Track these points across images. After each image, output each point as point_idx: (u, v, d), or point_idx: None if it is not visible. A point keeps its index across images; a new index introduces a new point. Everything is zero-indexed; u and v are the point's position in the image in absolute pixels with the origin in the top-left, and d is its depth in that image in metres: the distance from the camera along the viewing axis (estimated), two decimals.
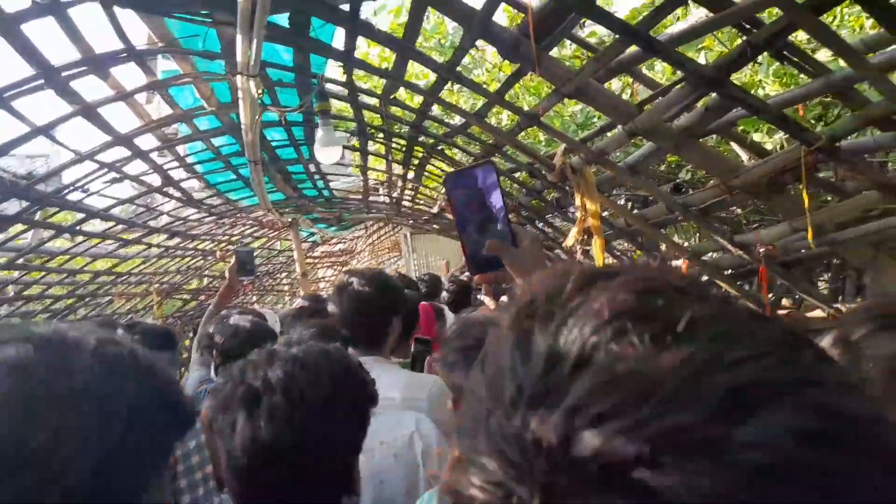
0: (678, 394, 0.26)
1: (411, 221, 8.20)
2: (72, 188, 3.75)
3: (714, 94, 1.93)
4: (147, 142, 3.61)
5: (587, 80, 2.07)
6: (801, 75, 2.22)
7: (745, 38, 1.81)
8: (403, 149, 4.00)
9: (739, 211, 3.03)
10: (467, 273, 7.11)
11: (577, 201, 2.66)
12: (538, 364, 0.30)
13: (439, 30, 4.07)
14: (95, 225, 4.56)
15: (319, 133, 2.76)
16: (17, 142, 2.75)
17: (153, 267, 6.69)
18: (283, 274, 12.40)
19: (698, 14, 2.31)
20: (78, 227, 4.36)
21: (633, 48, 2.00)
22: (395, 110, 3.31)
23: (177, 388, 0.66)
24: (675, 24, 2.52)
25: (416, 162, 4.16)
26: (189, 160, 4.21)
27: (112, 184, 3.90)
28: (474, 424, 0.32)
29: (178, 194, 4.69)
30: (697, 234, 3.64)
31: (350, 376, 0.95)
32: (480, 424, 0.31)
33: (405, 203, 5.88)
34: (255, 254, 3.67)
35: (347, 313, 1.66)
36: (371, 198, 6.15)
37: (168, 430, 0.62)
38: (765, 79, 2.37)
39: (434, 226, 8.03)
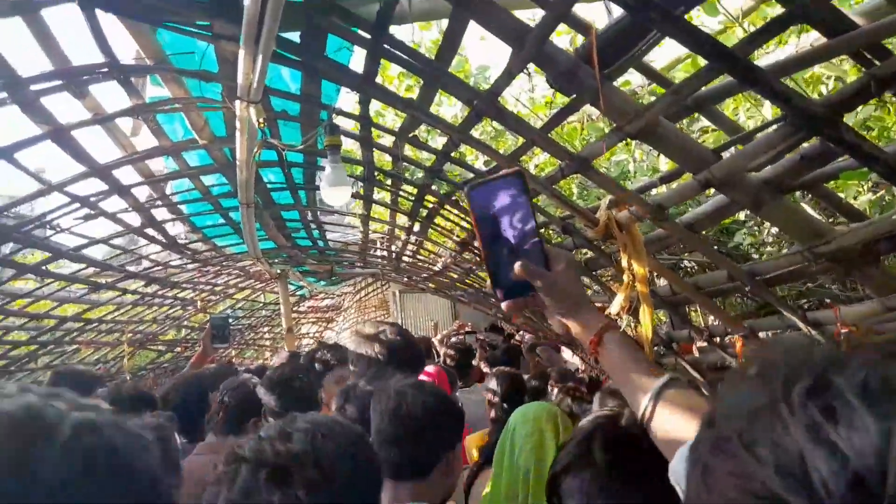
0: None
1: (406, 279, 7.80)
2: (38, 223, 3.33)
3: (815, 139, 1.58)
4: (128, 176, 3.22)
5: (657, 117, 1.73)
6: None
7: (864, 69, 1.48)
8: (413, 198, 3.64)
9: (809, 285, 2.67)
10: (459, 336, 6.70)
11: (624, 263, 2.28)
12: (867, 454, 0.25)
13: (463, 68, 3.77)
14: (64, 266, 4.11)
15: (327, 171, 2.39)
16: None
17: (127, 315, 6.19)
18: (266, 328, 11.88)
19: (800, 41, 2.01)
20: (44, 268, 3.92)
21: (716, 81, 1.67)
22: (409, 153, 2.97)
23: (159, 488, 0.59)
24: (769, 52, 2.21)
25: (424, 213, 3.79)
26: (174, 199, 3.81)
27: (85, 221, 3.49)
28: None
29: (160, 237, 4.27)
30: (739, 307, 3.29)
31: (361, 443, 0.95)
32: None
33: (405, 258, 5.49)
34: (230, 320, 3.51)
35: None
36: (369, 251, 5.76)
37: None
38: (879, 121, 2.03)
39: (430, 284, 7.64)
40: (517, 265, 0.82)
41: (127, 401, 2.61)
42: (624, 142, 2.28)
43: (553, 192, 2.27)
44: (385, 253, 5.60)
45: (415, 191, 3.57)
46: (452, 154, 2.50)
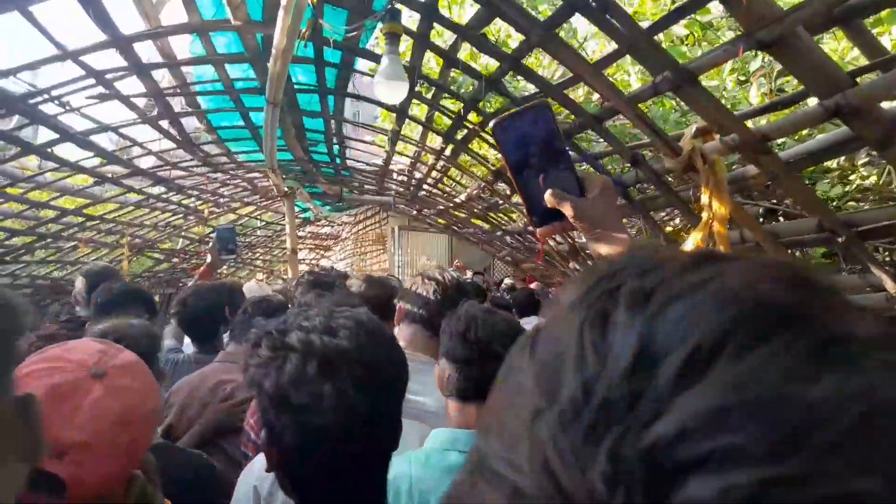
0: (854, 446, 0.18)
1: (416, 211, 7.57)
2: (48, 97, 3.04)
3: None
4: (148, 53, 2.93)
5: (796, 26, 1.47)
6: None
7: None
8: (452, 116, 3.37)
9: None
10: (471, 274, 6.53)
11: (704, 199, 2.06)
12: (622, 357, 0.22)
13: None
14: (69, 151, 3.84)
15: (384, 63, 2.12)
16: None
17: (128, 216, 5.94)
18: (262, 250, 11.66)
19: None
20: (50, 150, 3.64)
21: None
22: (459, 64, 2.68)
23: None
24: None
25: (461, 136, 3.52)
26: (194, 90, 3.52)
27: (100, 101, 3.20)
28: (510, 424, 0.24)
29: (173, 132, 3.98)
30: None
31: (394, 340, 0.94)
32: (520, 426, 0.23)
33: (425, 187, 5.23)
34: (236, 232, 3.33)
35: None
36: (388, 176, 5.49)
37: None
38: None
39: (439, 220, 7.41)
40: (547, 193, 0.84)
41: (122, 294, 2.48)
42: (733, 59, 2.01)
43: (636, 112, 2.02)
44: (405, 178, 5.33)
45: (458, 107, 3.30)
46: (524, 60, 2.22)
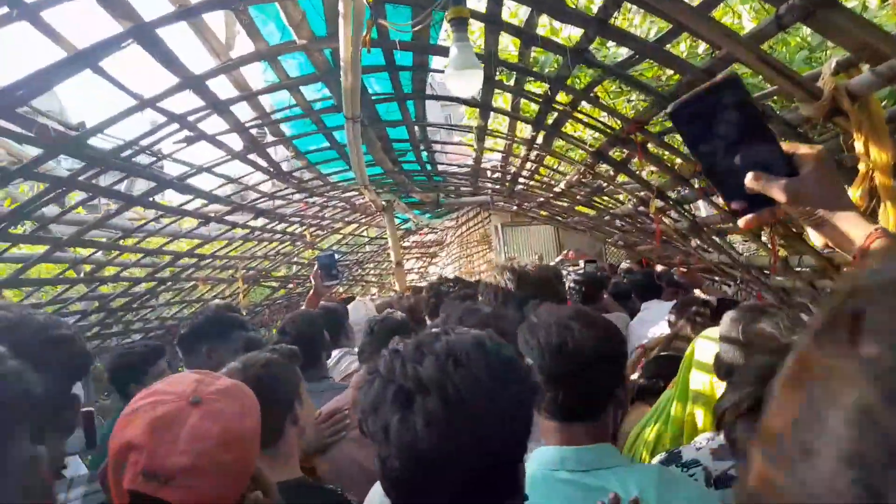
0: None
1: (516, 206, 7.31)
2: (137, 148, 3.10)
3: None
4: (223, 90, 2.90)
5: None
6: None
7: None
8: (539, 101, 3.10)
9: None
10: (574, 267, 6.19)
11: (858, 147, 1.67)
12: None
13: None
14: (169, 198, 3.94)
15: (453, 53, 1.92)
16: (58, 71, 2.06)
17: (238, 250, 6.14)
18: (371, 264, 11.85)
19: None
20: (151, 199, 3.75)
21: None
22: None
23: None
24: None
25: (551, 120, 3.24)
26: (274, 118, 3.49)
27: (187, 144, 3.22)
28: None
29: (264, 163, 4.00)
30: None
31: (510, 368, 0.82)
32: None
33: (521, 180, 4.97)
34: (336, 256, 3.47)
35: None
36: (480, 175, 5.28)
37: None
38: None
39: (541, 212, 7.11)
40: (748, 177, 0.75)
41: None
42: None
43: (758, 55, 1.67)
44: (498, 175, 5.10)
45: (544, 90, 3.02)
46: (611, 20, 1.93)
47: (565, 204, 5.64)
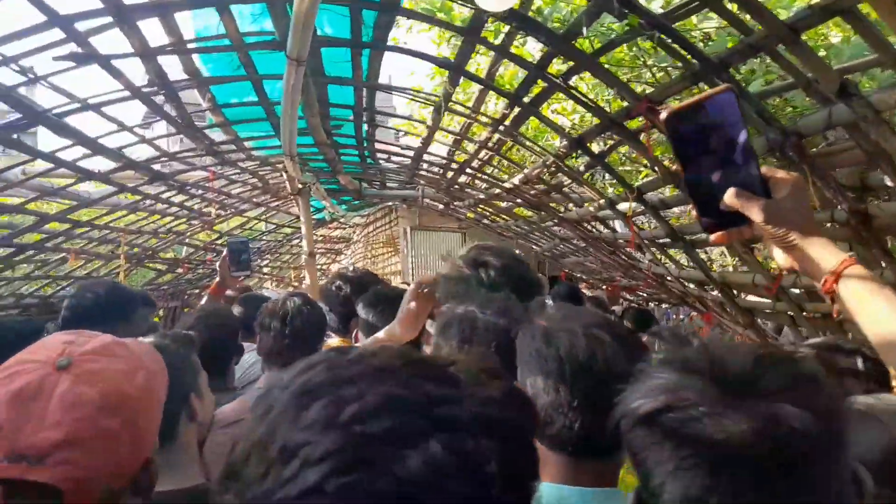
0: None
1: (441, 206, 6.83)
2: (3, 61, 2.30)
3: None
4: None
5: None
6: None
7: None
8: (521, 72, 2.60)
9: None
10: None
11: None
12: None
13: None
14: (41, 141, 3.08)
15: None
16: None
17: (122, 222, 5.20)
18: (270, 256, 10.94)
19: None
20: (15, 136, 2.90)
21: None
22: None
23: None
24: None
25: (537, 91, 2.76)
26: (191, 47, 2.77)
27: (75, 64, 2.44)
28: None
29: (171, 111, 3.23)
30: None
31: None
32: None
33: (469, 170, 4.46)
34: (249, 244, 3.06)
35: None
36: (422, 159, 4.69)
37: None
38: None
39: (468, 215, 6.66)
40: (729, 193, 0.77)
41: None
42: None
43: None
44: (444, 162, 4.55)
45: (528, 57, 2.54)
46: None
47: (504, 205, 5.22)
